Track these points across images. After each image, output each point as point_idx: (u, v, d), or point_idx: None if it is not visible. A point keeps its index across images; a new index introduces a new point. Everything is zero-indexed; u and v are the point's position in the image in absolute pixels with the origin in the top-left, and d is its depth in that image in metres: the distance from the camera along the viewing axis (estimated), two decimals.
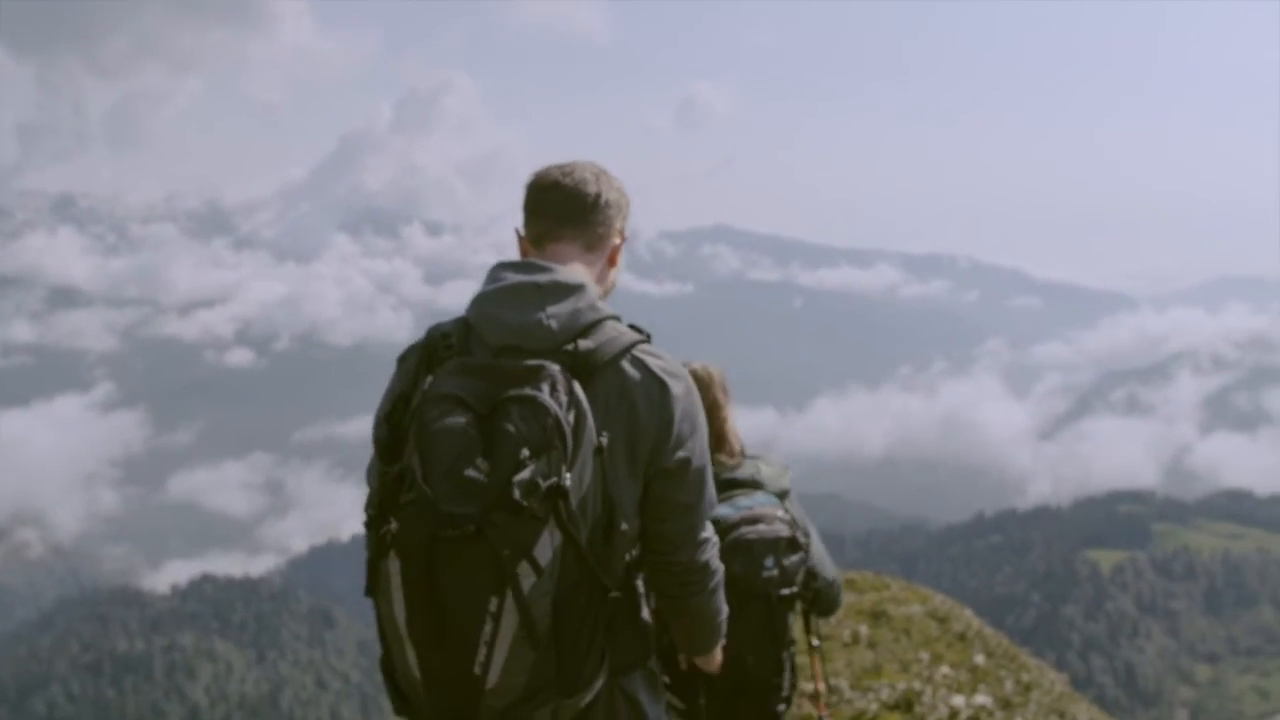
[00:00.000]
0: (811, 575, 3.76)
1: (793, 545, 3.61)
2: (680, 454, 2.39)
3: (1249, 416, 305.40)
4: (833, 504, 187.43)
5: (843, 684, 8.26)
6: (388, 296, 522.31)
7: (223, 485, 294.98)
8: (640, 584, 2.49)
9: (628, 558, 2.39)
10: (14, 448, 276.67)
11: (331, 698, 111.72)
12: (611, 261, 2.60)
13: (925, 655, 9.52)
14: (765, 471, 3.77)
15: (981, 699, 7.70)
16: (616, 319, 2.41)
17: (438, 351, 2.34)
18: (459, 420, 2.14)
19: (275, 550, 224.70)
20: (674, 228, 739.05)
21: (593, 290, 2.40)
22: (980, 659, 9.83)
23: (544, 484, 2.10)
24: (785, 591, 3.56)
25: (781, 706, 3.75)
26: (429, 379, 2.26)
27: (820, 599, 3.99)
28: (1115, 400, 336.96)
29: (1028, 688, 9.63)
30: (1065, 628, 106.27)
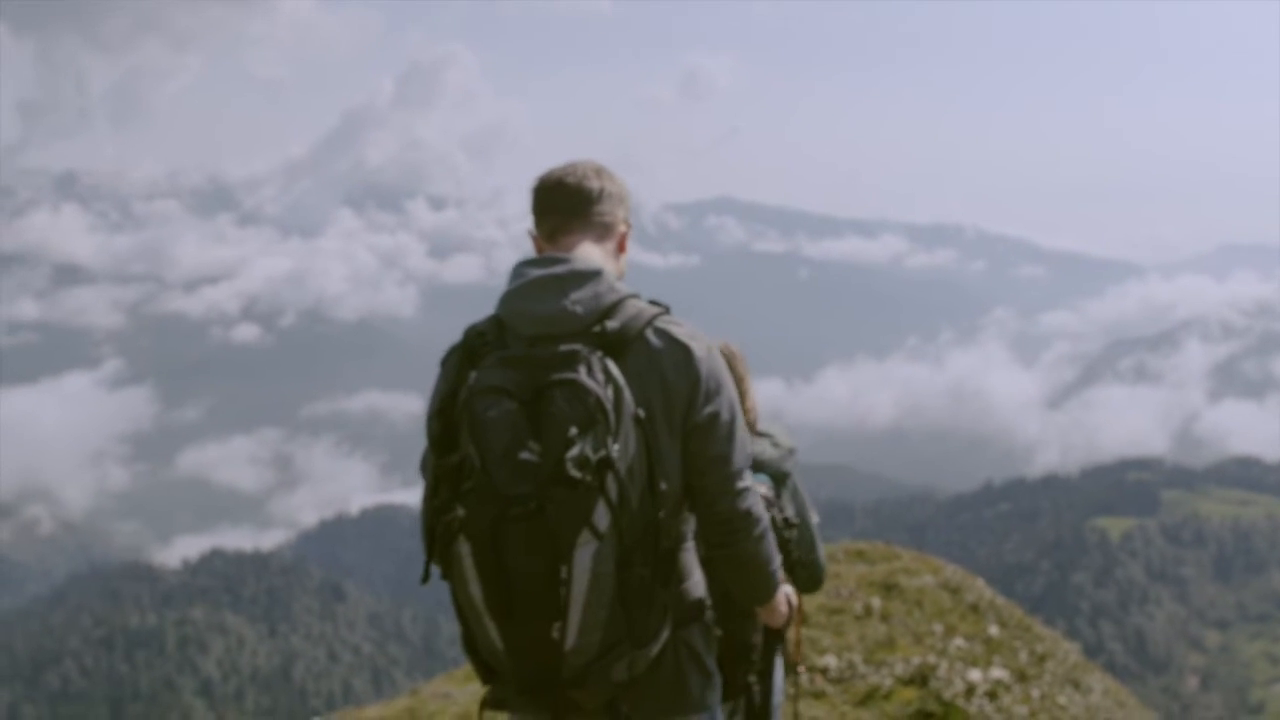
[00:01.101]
0: (785, 552, 3.72)
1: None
2: (708, 409, 2.55)
3: (1257, 383, 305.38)
4: (842, 474, 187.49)
5: (856, 658, 8.16)
6: (393, 271, 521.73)
7: (231, 460, 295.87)
8: (690, 543, 2.69)
9: (673, 517, 2.57)
10: (22, 425, 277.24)
11: (343, 670, 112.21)
12: (621, 248, 2.83)
13: (939, 627, 9.42)
14: (770, 453, 3.81)
15: (997, 672, 7.60)
16: (635, 296, 2.61)
17: (476, 349, 2.53)
18: (507, 409, 2.35)
19: (285, 524, 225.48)
20: (678, 200, 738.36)
21: (610, 273, 2.61)
22: (994, 630, 9.75)
23: (594, 457, 2.29)
24: None
25: (753, 678, 3.66)
26: (473, 375, 2.44)
27: (795, 574, 3.88)
28: (1123, 368, 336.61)
29: (1042, 658, 9.56)
30: (1075, 595, 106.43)
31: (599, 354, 2.41)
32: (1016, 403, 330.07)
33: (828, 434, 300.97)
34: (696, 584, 2.69)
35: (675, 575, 2.59)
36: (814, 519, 4.02)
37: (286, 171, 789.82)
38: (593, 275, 2.56)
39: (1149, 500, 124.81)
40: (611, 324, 2.50)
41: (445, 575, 2.50)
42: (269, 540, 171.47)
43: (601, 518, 2.30)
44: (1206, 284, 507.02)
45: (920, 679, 7.52)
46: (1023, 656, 9.24)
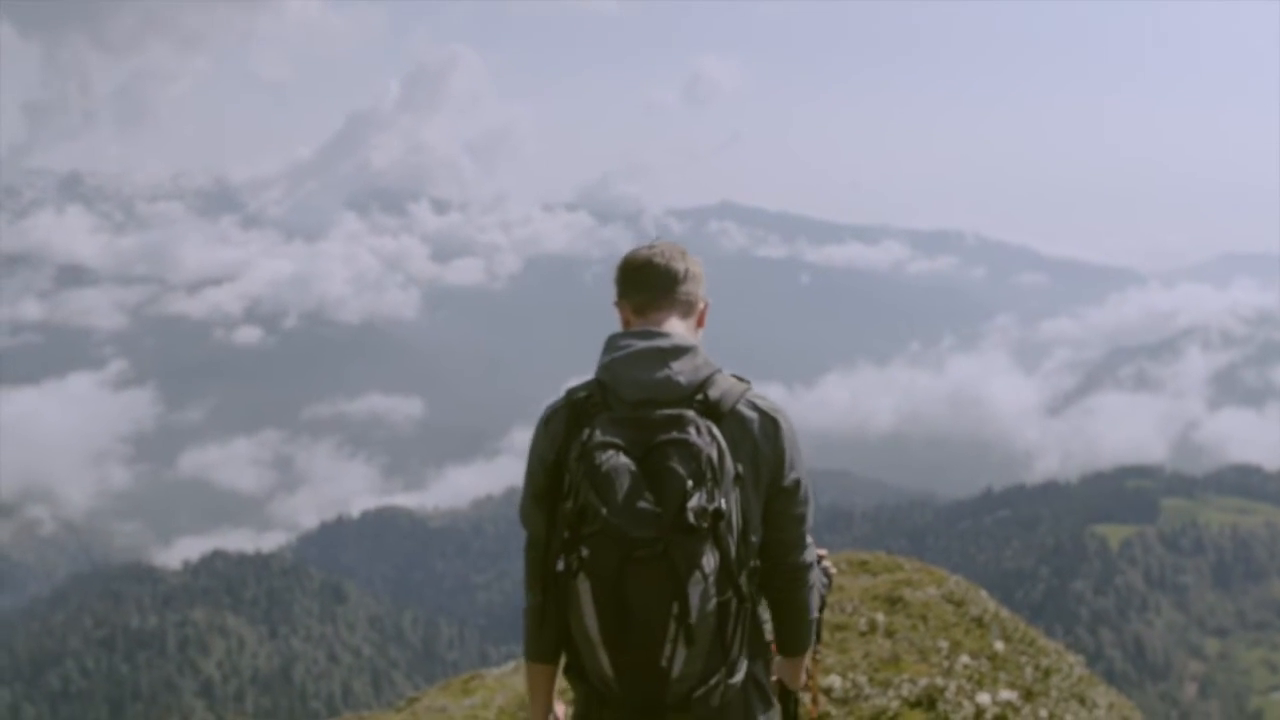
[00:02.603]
0: None
1: None
2: (793, 475, 3.00)
3: (1257, 392, 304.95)
4: (842, 480, 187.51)
5: (862, 679, 8.17)
6: (395, 274, 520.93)
7: (233, 462, 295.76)
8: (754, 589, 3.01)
9: (753, 564, 2.94)
10: (25, 425, 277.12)
11: (343, 672, 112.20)
12: (700, 323, 3.20)
13: (944, 643, 9.44)
14: None
15: (1006, 694, 7.60)
16: (721, 371, 3.00)
17: (585, 409, 2.90)
18: (624, 462, 2.70)
19: (285, 526, 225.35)
20: (681, 205, 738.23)
21: (703, 349, 3.00)
22: (999, 645, 9.78)
23: (710, 508, 2.66)
24: None
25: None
26: (586, 431, 2.80)
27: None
28: (1124, 376, 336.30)
29: (1047, 673, 9.60)
30: (1074, 602, 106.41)
31: (702, 418, 2.79)
32: (1017, 409, 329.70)
33: (828, 439, 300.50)
34: (760, 624, 3.06)
35: (750, 616, 2.92)
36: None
37: (291, 174, 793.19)
38: (690, 350, 2.94)
39: (1148, 508, 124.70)
40: (712, 394, 2.88)
41: (555, 608, 2.85)
42: (269, 542, 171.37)
43: (709, 562, 2.65)
44: (1207, 292, 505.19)
45: (928, 701, 7.49)
46: (1028, 673, 9.27)
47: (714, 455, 2.72)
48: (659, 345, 2.92)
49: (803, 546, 3.07)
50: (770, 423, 2.96)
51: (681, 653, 2.69)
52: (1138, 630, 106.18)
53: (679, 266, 3.11)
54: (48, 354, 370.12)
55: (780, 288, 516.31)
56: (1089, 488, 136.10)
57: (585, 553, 2.67)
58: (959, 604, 11.29)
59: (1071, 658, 11.49)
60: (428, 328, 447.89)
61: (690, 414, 2.79)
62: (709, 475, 2.69)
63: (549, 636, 3.05)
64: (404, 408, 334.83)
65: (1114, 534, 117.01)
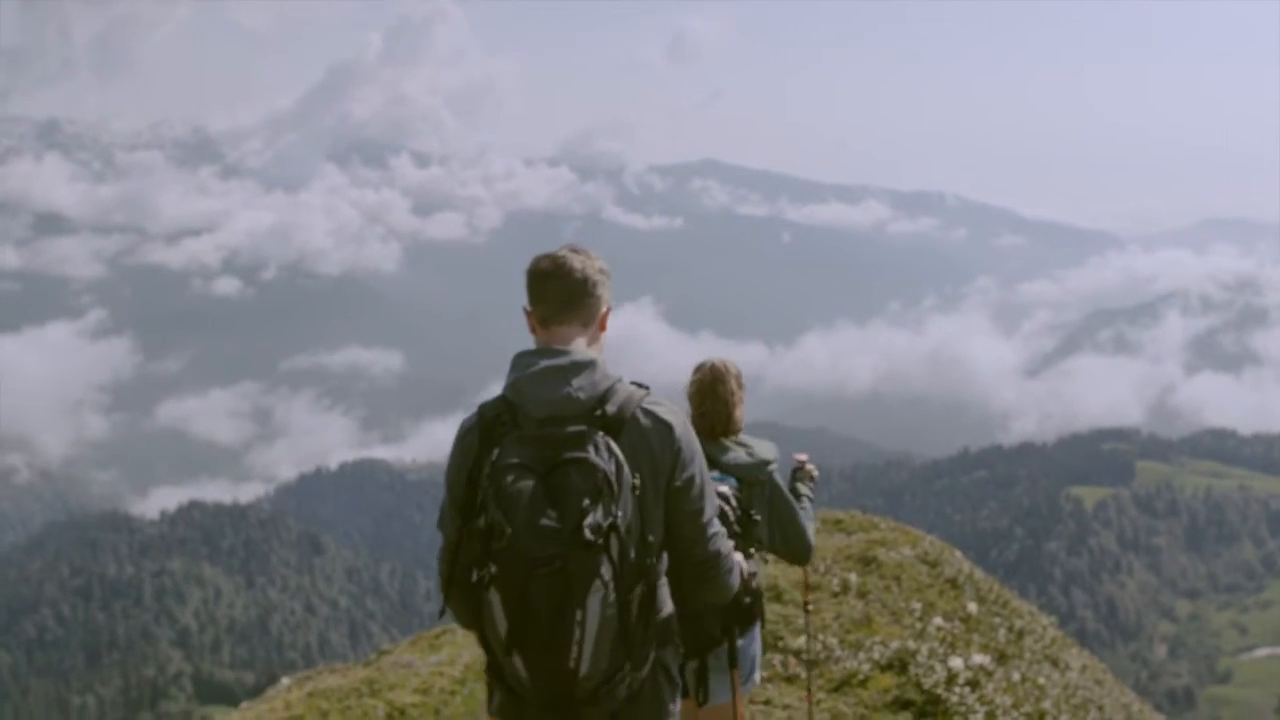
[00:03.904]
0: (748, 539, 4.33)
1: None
2: (685, 474, 3.16)
3: (1234, 357, 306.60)
4: (820, 438, 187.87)
5: (833, 640, 8.08)
6: (376, 227, 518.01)
7: (211, 413, 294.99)
8: (663, 579, 3.24)
9: (656, 561, 3.13)
10: (1, 373, 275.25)
11: (320, 622, 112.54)
12: (602, 326, 3.33)
13: (917, 605, 9.37)
14: (743, 460, 4.44)
15: (978, 658, 7.53)
16: (621, 380, 3.19)
17: (494, 429, 3.10)
18: (527, 483, 2.90)
19: (263, 478, 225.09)
20: (663, 162, 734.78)
21: (602, 362, 3.17)
22: (972, 606, 9.73)
23: (605, 523, 2.88)
24: None
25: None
26: (495, 451, 3.01)
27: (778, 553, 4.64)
28: (1102, 339, 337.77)
29: (1020, 635, 9.57)
30: (1048, 562, 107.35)
31: (601, 434, 2.99)
32: (995, 370, 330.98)
33: (807, 398, 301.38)
34: (667, 613, 3.23)
35: (655, 608, 3.11)
36: (805, 517, 4.61)
37: (271, 124, 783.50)
38: (589, 365, 3.11)
39: (1124, 470, 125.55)
40: (610, 408, 3.07)
41: (465, 619, 3.13)
42: (247, 493, 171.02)
43: (607, 570, 2.87)
44: (1187, 257, 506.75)
45: (899, 665, 7.41)
46: (1001, 635, 9.23)
47: (611, 471, 2.92)
48: (559, 364, 3.09)
49: (705, 539, 3.23)
50: (664, 426, 3.12)
51: (587, 654, 2.90)
52: (1110, 591, 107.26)
53: (580, 277, 3.22)
54: (25, 302, 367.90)
55: (762, 246, 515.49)
56: (1065, 449, 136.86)
57: (493, 569, 2.89)
58: (933, 565, 11.24)
59: (1045, 619, 11.49)
60: (408, 281, 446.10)
61: (589, 431, 2.98)
62: (606, 491, 2.89)
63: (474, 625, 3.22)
64: (383, 360, 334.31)
65: (1089, 495, 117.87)
